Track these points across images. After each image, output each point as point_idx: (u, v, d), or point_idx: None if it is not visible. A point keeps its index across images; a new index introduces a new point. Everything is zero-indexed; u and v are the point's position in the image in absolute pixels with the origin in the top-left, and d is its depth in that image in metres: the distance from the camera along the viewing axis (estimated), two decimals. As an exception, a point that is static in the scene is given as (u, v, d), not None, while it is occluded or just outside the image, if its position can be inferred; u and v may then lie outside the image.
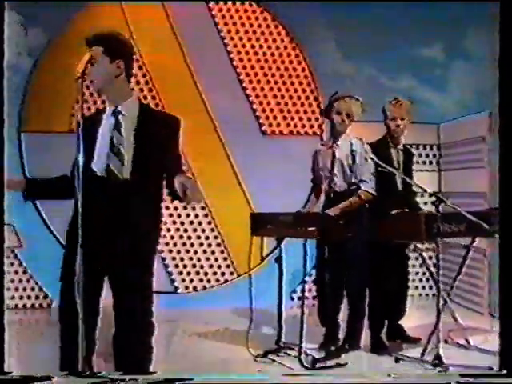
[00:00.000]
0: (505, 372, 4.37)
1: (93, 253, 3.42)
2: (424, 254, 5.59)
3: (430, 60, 7.65)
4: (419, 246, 5.41)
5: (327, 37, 7.51)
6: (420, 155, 7.61)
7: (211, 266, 7.59)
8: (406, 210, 5.32)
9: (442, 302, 5.01)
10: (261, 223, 5.42)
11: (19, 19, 7.00)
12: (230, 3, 7.52)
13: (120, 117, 3.67)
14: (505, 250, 4.53)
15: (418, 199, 5.96)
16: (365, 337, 5.48)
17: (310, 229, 5.00)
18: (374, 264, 5.34)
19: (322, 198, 5.45)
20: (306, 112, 7.66)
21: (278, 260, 5.35)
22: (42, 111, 7.25)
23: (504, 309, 4.53)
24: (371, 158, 5.17)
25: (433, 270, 5.29)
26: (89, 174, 3.53)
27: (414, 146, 7.30)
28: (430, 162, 7.78)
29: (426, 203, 6.34)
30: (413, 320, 5.89)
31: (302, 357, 5.05)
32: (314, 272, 6.40)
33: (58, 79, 7.06)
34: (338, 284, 5.38)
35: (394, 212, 5.25)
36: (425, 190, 5.12)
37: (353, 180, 5.33)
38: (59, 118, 7.20)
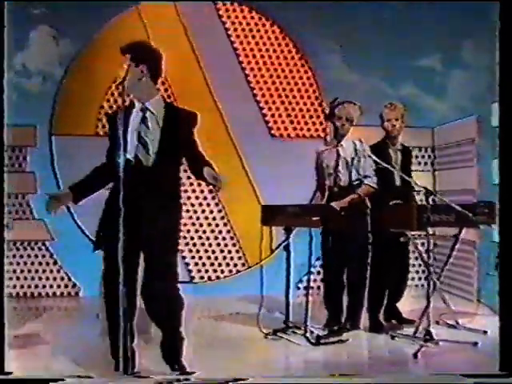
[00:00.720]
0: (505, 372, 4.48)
1: (129, 232, 3.89)
2: (419, 246, 5.90)
3: (429, 69, 7.95)
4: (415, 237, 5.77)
5: (333, 48, 7.85)
6: (416, 157, 7.84)
7: (224, 258, 7.94)
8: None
9: (432, 285, 5.41)
10: (271, 214, 5.84)
11: (51, 31, 7.46)
12: (241, 17, 7.90)
13: (148, 113, 4.20)
14: (504, 246, 4.80)
15: (415, 195, 6.30)
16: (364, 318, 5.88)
17: (314, 218, 5.41)
18: (375, 253, 5.77)
19: (327, 193, 5.79)
20: (311, 117, 8.03)
21: (287, 248, 5.74)
22: (71, 116, 7.62)
23: (504, 309, 4.77)
24: (369, 156, 5.61)
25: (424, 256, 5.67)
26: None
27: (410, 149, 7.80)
28: (425, 163, 8.11)
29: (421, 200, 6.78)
30: (407, 306, 6.22)
31: (308, 334, 5.43)
32: (318, 264, 6.85)
33: (85, 86, 7.59)
34: (341, 270, 5.81)
35: (390, 203, 5.66)
36: (416, 184, 5.57)
37: (356, 176, 5.72)
38: (86, 121, 7.63)
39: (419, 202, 6.23)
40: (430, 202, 5.31)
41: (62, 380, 4.34)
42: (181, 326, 4.35)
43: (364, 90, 7.66)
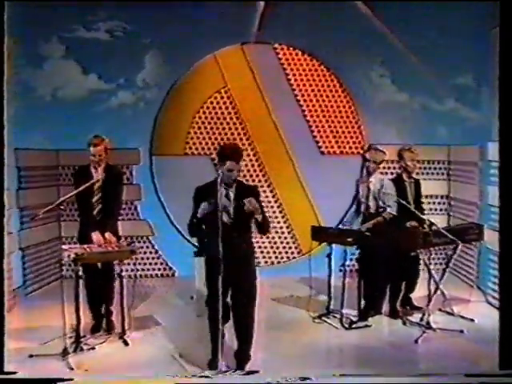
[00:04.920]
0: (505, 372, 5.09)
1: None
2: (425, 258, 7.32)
3: (466, 86, 9.00)
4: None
5: (383, 74, 9.33)
6: (435, 168, 9.41)
7: (284, 248, 9.62)
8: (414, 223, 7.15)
9: (433, 288, 7.10)
10: (318, 233, 7.60)
11: (160, 54, 9.09)
12: (296, 58, 9.44)
13: (230, 192, 5.78)
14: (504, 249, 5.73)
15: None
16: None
17: (349, 239, 7.13)
18: (394, 260, 7.27)
19: (361, 216, 7.44)
20: (351, 137, 9.59)
21: (329, 256, 7.36)
22: (165, 140, 9.31)
23: (504, 310, 5.48)
24: (390, 194, 7.24)
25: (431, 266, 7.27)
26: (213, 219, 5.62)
27: (431, 162, 9.36)
28: (443, 173, 9.49)
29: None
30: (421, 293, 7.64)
31: (343, 319, 7.17)
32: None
33: (176, 116, 9.28)
34: (371, 273, 7.39)
35: (407, 225, 7.15)
36: (422, 219, 7.09)
37: (381, 204, 7.29)
38: (177, 144, 9.36)
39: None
40: (434, 229, 6.93)
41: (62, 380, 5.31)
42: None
43: (413, 108, 9.20)
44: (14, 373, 5.31)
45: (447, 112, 9.22)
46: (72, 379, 5.29)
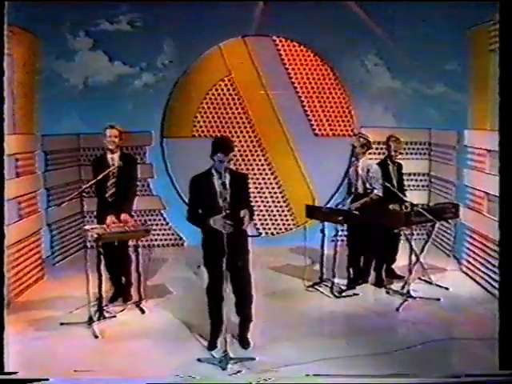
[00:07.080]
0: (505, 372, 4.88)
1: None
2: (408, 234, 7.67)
3: (453, 72, 8.76)
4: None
5: (378, 62, 9.51)
6: (418, 149, 9.67)
7: (282, 220, 9.97)
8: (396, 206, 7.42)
9: (414, 260, 7.42)
10: (312, 211, 7.93)
11: (176, 40, 9.33)
12: (293, 49, 9.66)
13: (225, 180, 5.82)
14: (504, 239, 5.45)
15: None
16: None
17: (339, 218, 7.46)
18: (378, 235, 7.59)
19: (351, 196, 7.77)
20: (343, 121, 9.86)
21: (322, 231, 7.70)
22: (175, 123, 9.60)
23: (503, 311, 5.20)
24: (376, 177, 7.56)
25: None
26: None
27: (414, 143, 9.64)
28: (424, 153, 9.74)
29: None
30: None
31: (334, 287, 7.50)
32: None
33: (184, 102, 9.54)
34: (358, 246, 7.76)
35: (390, 206, 7.42)
36: (404, 199, 7.45)
37: (368, 186, 7.59)
38: (185, 127, 9.65)
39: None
40: (415, 209, 7.22)
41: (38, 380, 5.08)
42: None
43: (406, 93, 9.37)
44: (15, 373, 5.26)
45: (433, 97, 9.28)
46: (47, 379, 5.17)
